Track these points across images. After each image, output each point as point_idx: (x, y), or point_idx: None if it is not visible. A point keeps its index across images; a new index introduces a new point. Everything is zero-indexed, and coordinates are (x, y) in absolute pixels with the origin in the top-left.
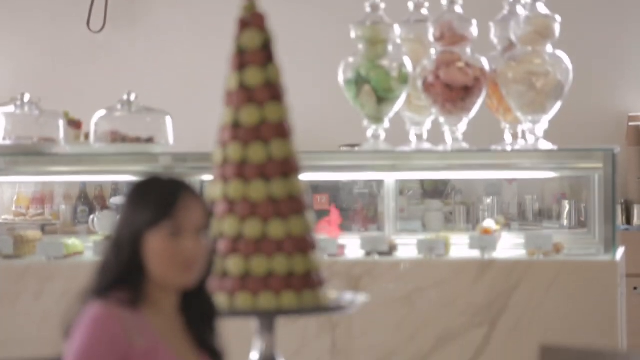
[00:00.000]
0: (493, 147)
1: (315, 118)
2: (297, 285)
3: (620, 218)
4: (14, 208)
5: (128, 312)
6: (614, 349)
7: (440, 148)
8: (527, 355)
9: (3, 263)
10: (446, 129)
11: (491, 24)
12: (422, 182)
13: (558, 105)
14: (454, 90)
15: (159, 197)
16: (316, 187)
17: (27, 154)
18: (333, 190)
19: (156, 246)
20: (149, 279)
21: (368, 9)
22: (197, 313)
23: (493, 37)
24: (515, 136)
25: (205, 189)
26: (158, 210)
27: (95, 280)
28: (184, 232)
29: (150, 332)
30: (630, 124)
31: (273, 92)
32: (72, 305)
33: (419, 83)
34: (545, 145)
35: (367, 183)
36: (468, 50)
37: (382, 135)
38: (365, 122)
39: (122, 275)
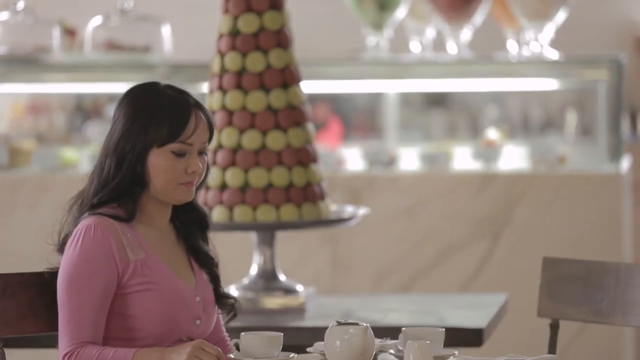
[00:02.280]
0: (497, 56)
1: (315, 26)
2: (296, 198)
3: (625, 128)
4: (8, 117)
5: (122, 225)
6: (618, 261)
7: (443, 56)
8: (529, 269)
9: None
10: (449, 38)
11: None
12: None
13: (563, 12)
14: None
15: (170, 117)
16: (316, 98)
17: (22, 62)
18: (334, 100)
19: (162, 163)
20: (147, 194)
21: None
22: (189, 225)
23: None
24: (519, 45)
25: (204, 100)
26: (169, 131)
27: (89, 193)
28: (191, 152)
29: (143, 245)
30: (634, 34)
31: None
32: (64, 219)
33: None
34: (550, 53)
35: (368, 93)
36: None
37: (383, 44)
38: (366, 31)
39: (121, 189)
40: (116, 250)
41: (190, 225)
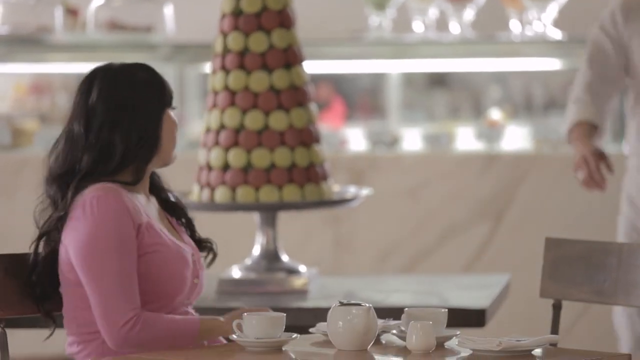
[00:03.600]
0: (499, 36)
1: (317, 6)
2: (299, 178)
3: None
4: (10, 97)
5: (124, 191)
6: (622, 242)
7: (446, 36)
8: (532, 249)
9: (0, 155)
10: (452, 18)
11: None
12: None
13: None
14: None
15: (162, 82)
16: (319, 78)
17: (24, 42)
18: (336, 81)
19: (171, 124)
20: (155, 159)
21: None
22: (163, 191)
23: None
24: (522, 24)
25: (206, 80)
26: (169, 93)
27: (92, 163)
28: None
29: (144, 210)
30: None
31: None
32: (49, 200)
33: None
34: (553, 33)
35: (371, 73)
36: None
37: (386, 24)
38: (369, 10)
39: (132, 156)
40: (128, 214)
41: (153, 183)
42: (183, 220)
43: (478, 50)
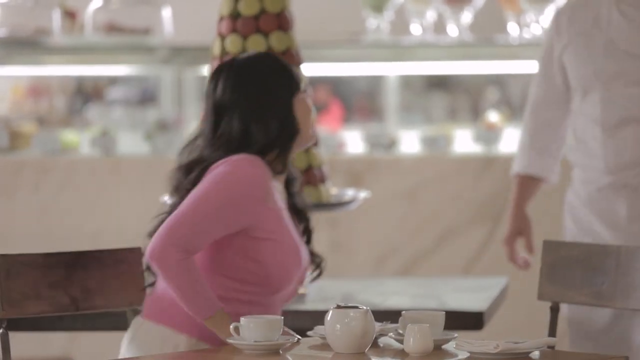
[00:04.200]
0: (497, 38)
1: (315, 9)
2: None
3: None
4: (8, 100)
5: (270, 174)
6: (619, 245)
7: (444, 39)
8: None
9: None
10: (450, 20)
11: None
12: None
13: None
14: None
15: (288, 68)
16: (317, 80)
17: (22, 44)
18: (334, 83)
19: (304, 106)
20: (295, 144)
21: None
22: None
23: None
24: (520, 27)
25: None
26: (297, 77)
27: (244, 136)
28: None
29: (278, 198)
30: None
31: None
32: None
33: None
34: None
35: (369, 76)
36: None
37: (384, 26)
38: (367, 13)
39: (274, 145)
40: (266, 192)
41: (289, 182)
42: (303, 228)
43: (476, 52)
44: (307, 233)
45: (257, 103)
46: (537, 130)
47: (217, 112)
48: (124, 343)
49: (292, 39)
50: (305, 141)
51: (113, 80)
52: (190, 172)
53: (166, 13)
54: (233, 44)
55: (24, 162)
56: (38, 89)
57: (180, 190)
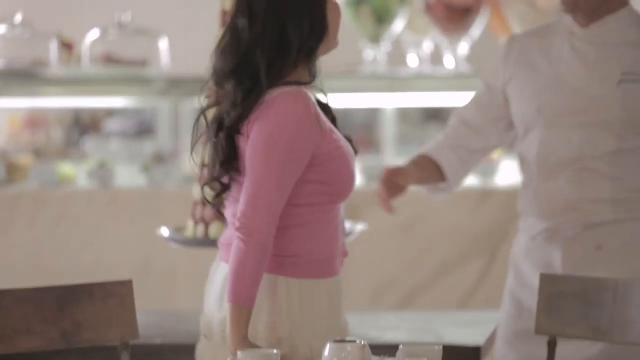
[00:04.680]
0: None
1: None
2: None
3: None
4: (5, 132)
5: (309, 93)
6: (617, 278)
7: (441, 70)
8: None
9: None
10: (447, 51)
11: None
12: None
13: None
14: (455, 11)
15: None
16: None
17: (19, 76)
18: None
19: (337, 9)
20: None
21: None
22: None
23: None
24: None
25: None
26: None
27: (269, 57)
28: None
29: (321, 114)
30: None
31: None
32: (228, 101)
33: (419, 3)
34: None
35: (366, 108)
36: None
37: (381, 57)
38: (364, 44)
39: (306, 45)
40: (317, 121)
41: None
42: (330, 119)
43: (473, 84)
44: (334, 123)
45: (292, 2)
46: (455, 133)
47: (252, 10)
48: (213, 294)
49: None
50: (331, 46)
51: (110, 112)
52: (242, 80)
53: (163, 44)
54: None
55: (20, 195)
56: (35, 121)
57: (243, 106)
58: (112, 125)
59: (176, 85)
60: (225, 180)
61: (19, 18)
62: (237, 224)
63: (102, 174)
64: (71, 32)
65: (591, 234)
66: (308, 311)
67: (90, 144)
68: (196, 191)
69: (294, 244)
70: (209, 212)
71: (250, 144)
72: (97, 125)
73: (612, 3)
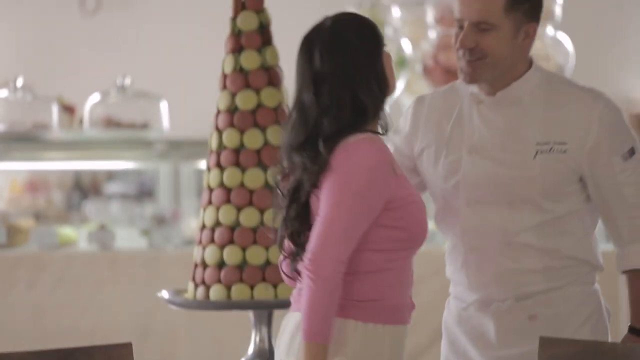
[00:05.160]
0: None
1: None
2: None
3: None
4: (6, 195)
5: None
6: (615, 342)
7: None
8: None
9: None
10: None
11: None
12: None
13: None
14: (453, 75)
15: (373, 24)
16: None
17: (20, 140)
18: None
19: (389, 58)
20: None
21: None
22: None
23: None
24: None
25: (202, 177)
26: (380, 31)
27: (335, 123)
28: None
29: (396, 162)
30: (633, 111)
31: (270, 76)
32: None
33: (418, 67)
34: None
35: None
36: None
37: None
38: None
39: (378, 102)
40: (391, 165)
41: None
42: None
43: None
44: None
45: (356, 67)
46: None
47: (317, 83)
48: (282, 343)
49: None
50: (392, 93)
51: (111, 175)
52: (311, 149)
53: (163, 107)
54: (230, 138)
55: (21, 257)
56: (36, 184)
57: (318, 164)
58: (113, 187)
59: (176, 147)
60: (302, 238)
61: (20, 82)
62: (306, 262)
63: (103, 236)
64: (72, 96)
65: (524, 304)
66: (372, 355)
67: (90, 206)
68: (196, 253)
69: (366, 289)
70: (209, 274)
71: (325, 186)
72: (98, 187)
73: (516, 69)
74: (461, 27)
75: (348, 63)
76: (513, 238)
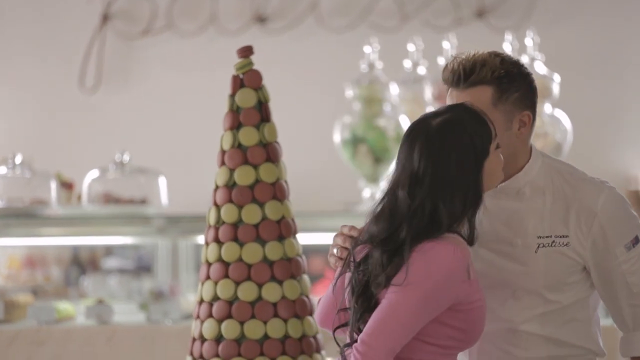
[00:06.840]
0: None
1: (310, 179)
2: (292, 350)
3: None
4: (4, 271)
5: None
6: None
7: None
8: None
9: None
10: None
11: None
12: None
13: None
14: None
15: (489, 128)
16: (312, 250)
17: (19, 216)
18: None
19: (496, 163)
20: None
21: (364, 68)
22: None
23: None
24: None
25: (200, 251)
26: (492, 133)
27: (416, 231)
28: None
29: (472, 266)
30: (631, 188)
31: (268, 152)
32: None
33: None
34: None
35: None
36: None
37: (379, 196)
38: (362, 183)
39: (460, 217)
40: (467, 271)
41: None
42: None
43: None
44: None
45: (444, 180)
46: None
47: (412, 184)
48: None
49: (288, 208)
50: (495, 184)
51: (109, 250)
52: (387, 249)
53: (161, 183)
54: (228, 213)
55: (18, 333)
56: (34, 259)
57: (390, 267)
58: (111, 262)
59: (174, 222)
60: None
61: (19, 158)
62: (359, 344)
63: (101, 310)
64: (70, 172)
65: None
66: None
67: (88, 282)
68: (194, 327)
69: None
70: (207, 348)
71: (397, 276)
72: (96, 263)
73: (517, 158)
74: None
75: (438, 174)
76: (517, 326)
